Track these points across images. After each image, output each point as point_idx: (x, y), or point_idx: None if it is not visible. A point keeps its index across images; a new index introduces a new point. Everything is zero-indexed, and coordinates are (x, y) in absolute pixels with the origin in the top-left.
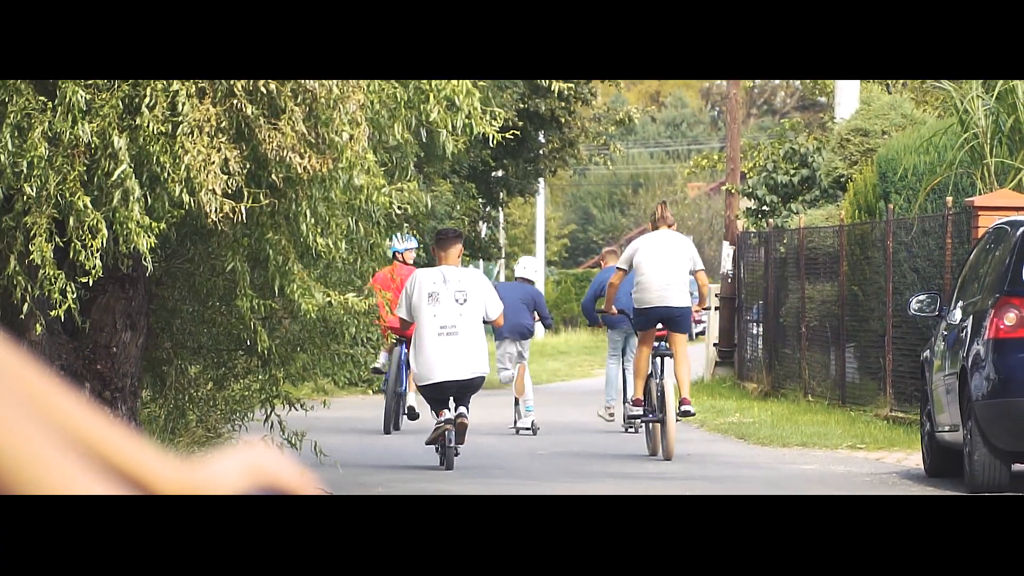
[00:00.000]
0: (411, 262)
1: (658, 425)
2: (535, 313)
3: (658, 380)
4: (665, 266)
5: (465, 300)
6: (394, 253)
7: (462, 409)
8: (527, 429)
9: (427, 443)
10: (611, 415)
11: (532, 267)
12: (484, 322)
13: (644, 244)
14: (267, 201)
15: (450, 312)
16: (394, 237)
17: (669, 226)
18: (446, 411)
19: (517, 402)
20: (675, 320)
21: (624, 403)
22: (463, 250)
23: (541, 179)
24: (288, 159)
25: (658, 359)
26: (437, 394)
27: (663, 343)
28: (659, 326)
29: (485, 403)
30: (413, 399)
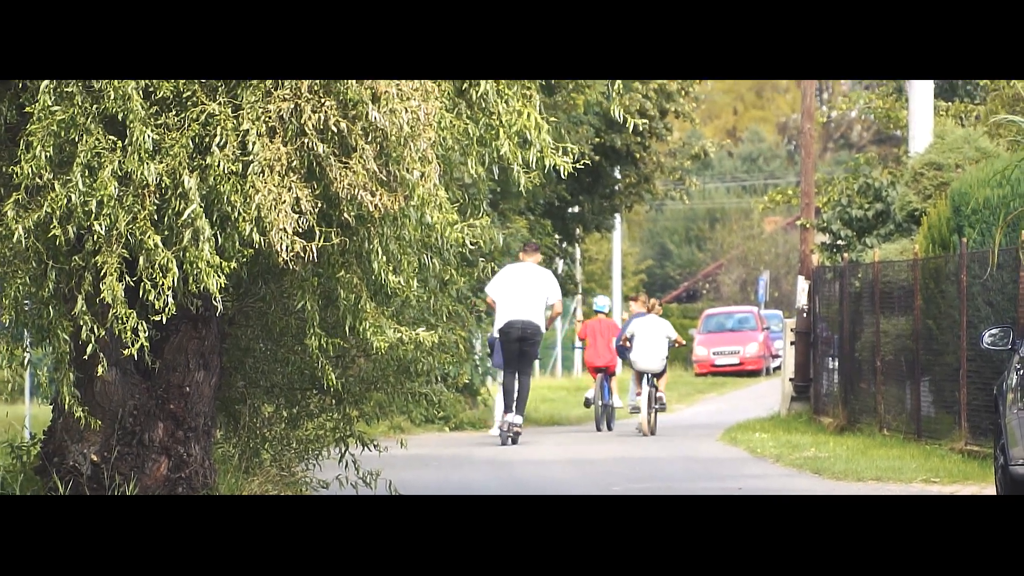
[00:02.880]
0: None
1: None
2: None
3: None
4: None
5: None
6: (597, 311)
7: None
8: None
9: None
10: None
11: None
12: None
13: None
14: (338, 240)
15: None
16: (598, 297)
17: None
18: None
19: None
20: None
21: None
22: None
23: (617, 215)
24: (359, 197)
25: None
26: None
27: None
28: None
29: (560, 439)
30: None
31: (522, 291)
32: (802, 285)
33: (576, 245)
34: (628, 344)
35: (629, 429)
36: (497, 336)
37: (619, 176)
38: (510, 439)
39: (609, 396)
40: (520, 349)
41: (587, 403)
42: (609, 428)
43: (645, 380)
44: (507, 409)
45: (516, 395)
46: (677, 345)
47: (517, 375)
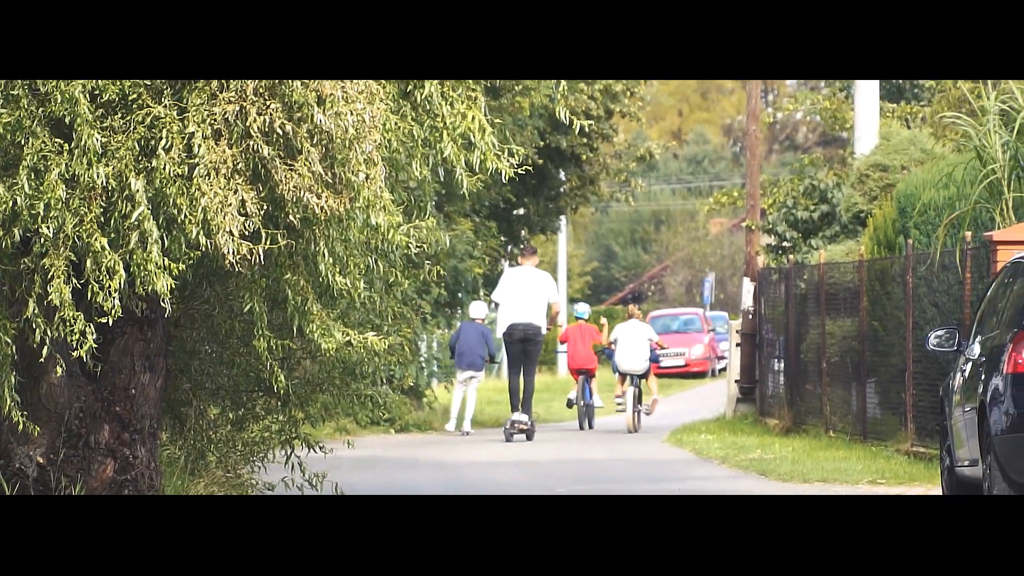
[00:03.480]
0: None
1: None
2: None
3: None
4: None
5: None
6: (578, 317)
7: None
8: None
9: None
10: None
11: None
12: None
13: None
14: (284, 242)
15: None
16: (578, 304)
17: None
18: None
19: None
20: None
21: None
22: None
23: (562, 216)
24: (305, 199)
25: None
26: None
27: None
28: None
29: (501, 440)
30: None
31: (522, 294)
32: (748, 287)
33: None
34: (612, 347)
35: (603, 427)
36: (457, 341)
37: (564, 178)
38: (514, 435)
39: (590, 396)
40: (523, 349)
41: (569, 404)
42: (590, 426)
43: (629, 381)
44: (513, 408)
45: (521, 394)
46: (658, 348)
47: (521, 375)
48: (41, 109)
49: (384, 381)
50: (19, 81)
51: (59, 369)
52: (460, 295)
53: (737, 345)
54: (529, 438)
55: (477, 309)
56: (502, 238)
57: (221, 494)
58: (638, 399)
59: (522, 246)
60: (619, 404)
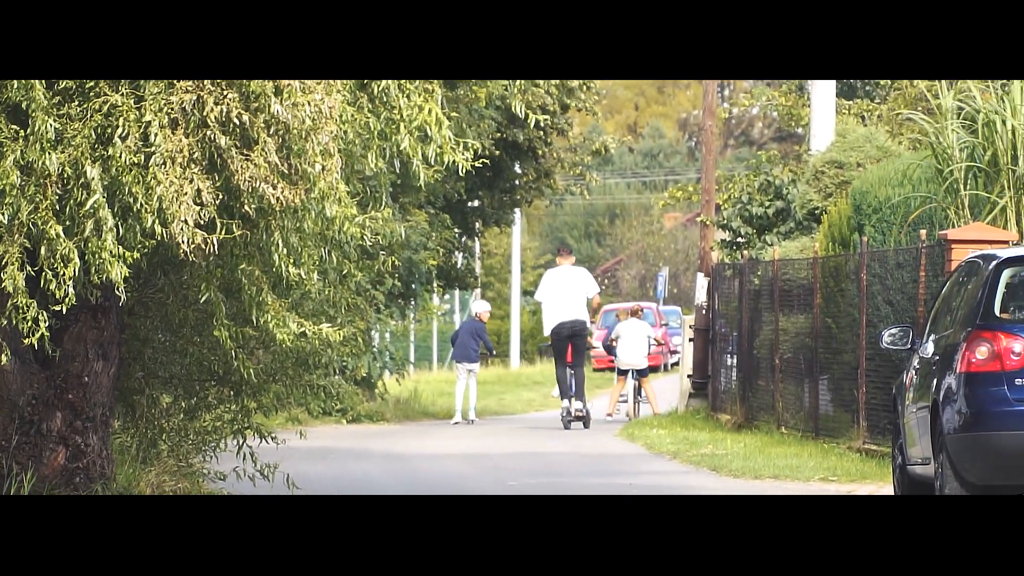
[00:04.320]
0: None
1: None
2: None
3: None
4: None
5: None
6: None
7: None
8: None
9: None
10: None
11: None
12: None
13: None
14: (240, 232)
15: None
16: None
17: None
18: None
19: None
20: None
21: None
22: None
23: (517, 209)
24: (261, 190)
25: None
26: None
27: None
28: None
29: (457, 432)
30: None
31: (564, 293)
32: (701, 282)
33: (476, 239)
34: (614, 344)
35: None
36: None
37: (520, 171)
38: (571, 423)
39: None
40: (572, 344)
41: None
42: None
43: (630, 375)
44: (564, 396)
45: (572, 384)
46: (658, 345)
47: (571, 368)
48: None
49: (337, 372)
50: None
51: (3, 357)
52: (414, 286)
53: (690, 340)
54: (586, 425)
55: (476, 306)
56: (456, 230)
57: (173, 483)
58: (638, 391)
59: (558, 249)
60: (622, 398)
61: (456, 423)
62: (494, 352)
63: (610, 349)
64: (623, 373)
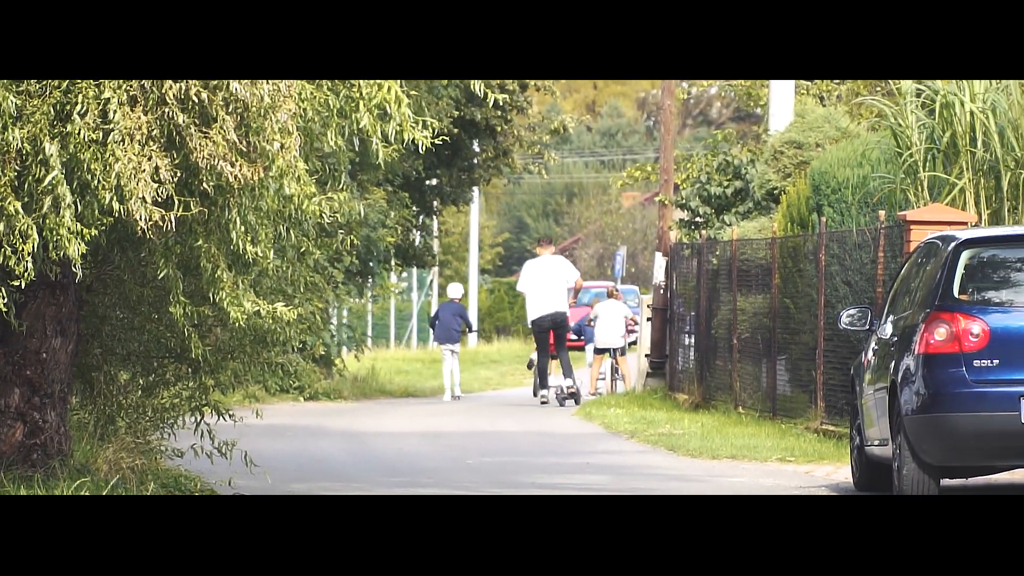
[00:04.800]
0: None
1: None
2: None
3: None
4: None
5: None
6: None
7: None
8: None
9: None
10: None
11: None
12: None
13: None
14: (197, 209)
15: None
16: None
17: None
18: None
19: None
20: None
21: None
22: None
23: (475, 188)
24: (219, 167)
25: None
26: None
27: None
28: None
29: (414, 411)
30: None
31: (545, 284)
32: (659, 262)
33: (434, 217)
34: (592, 325)
35: (513, 399)
36: (436, 319)
37: (478, 150)
38: (566, 400)
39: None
40: (555, 335)
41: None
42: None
43: (609, 354)
44: (544, 386)
45: (563, 366)
46: (633, 325)
47: (554, 354)
48: None
49: (295, 349)
50: None
51: None
52: (372, 264)
53: (648, 319)
54: (577, 402)
55: (454, 290)
56: (414, 208)
57: (130, 460)
58: (615, 370)
59: (539, 240)
60: (601, 376)
61: (449, 399)
62: (474, 329)
63: (579, 331)
64: (601, 352)
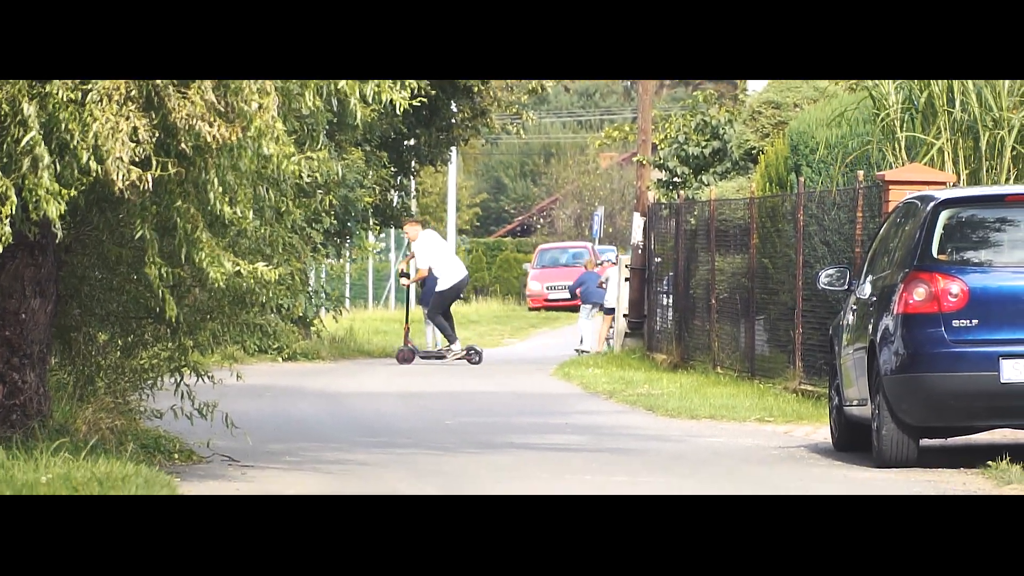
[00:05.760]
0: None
1: None
2: None
3: None
4: None
5: None
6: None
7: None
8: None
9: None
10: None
11: None
12: None
13: None
14: (175, 170)
15: None
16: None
17: None
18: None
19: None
20: None
21: None
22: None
23: (453, 148)
24: (197, 128)
25: None
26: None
27: None
28: None
29: (392, 371)
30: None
31: (451, 253)
32: (638, 222)
33: (412, 178)
34: (603, 286)
35: (490, 359)
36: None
37: (456, 110)
38: (476, 359)
39: None
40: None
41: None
42: None
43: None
44: (454, 340)
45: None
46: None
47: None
48: None
49: (273, 310)
50: None
51: None
52: (350, 224)
53: (626, 280)
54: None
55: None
56: (392, 168)
57: (110, 421)
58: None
59: (422, 222)
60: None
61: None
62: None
63: (574, 292)
64: (610, 312)
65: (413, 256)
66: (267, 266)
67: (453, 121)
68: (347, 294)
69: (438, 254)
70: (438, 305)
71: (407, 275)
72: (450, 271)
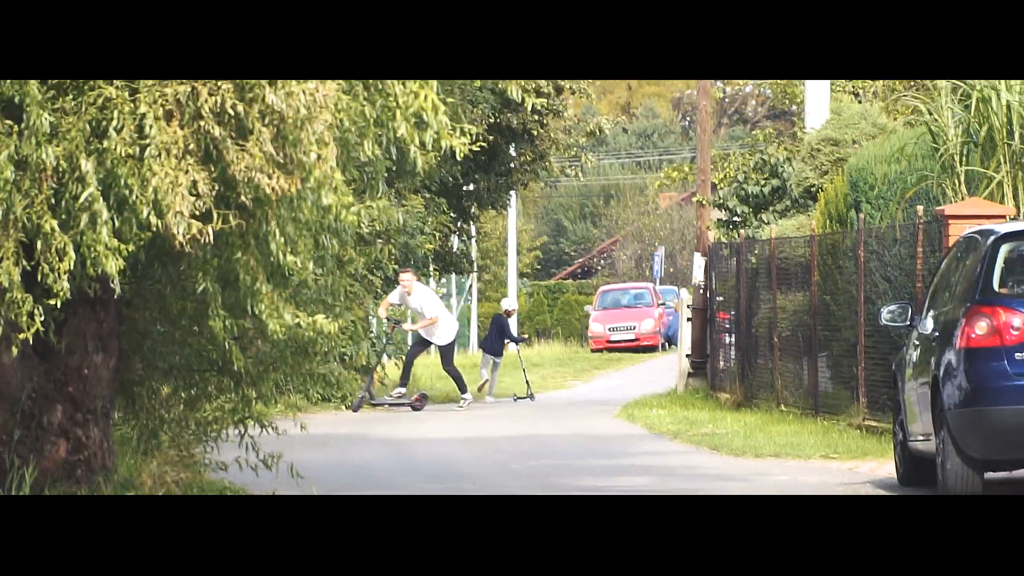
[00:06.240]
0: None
1: None
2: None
3: None
4: None
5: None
6: None
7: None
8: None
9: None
10: None
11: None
12: None
13: None
14: (236, 222)
15: None
16: None
17: None
18: None
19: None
20: None
21: None
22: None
23: (512, 192)
24: (256, 180)
25: None
26: None
27: None
28: None
29: (455, 416)
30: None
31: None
32: (699, 261)
33: (472, 223)
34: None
35: (550, 400)
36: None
37: (515, 154)
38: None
39: None
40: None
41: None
42: None
43: None
44: (466, 388)
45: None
46: None
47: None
48: None
49: (336, 359)
50: None
51: (14, 349)
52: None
53: (688, 320)
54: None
55: (508, 302)
56: (452, 214)
57: (174, 474)
58: None
59: (400, 270)
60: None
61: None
62: (519, 341)
63: None
64: None
65: (398, 305)
66: (327, 317)
67: (512, 165)
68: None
69: (439, 305)
70: (453, 356)
71: (398, 321)
72: (450, 322)
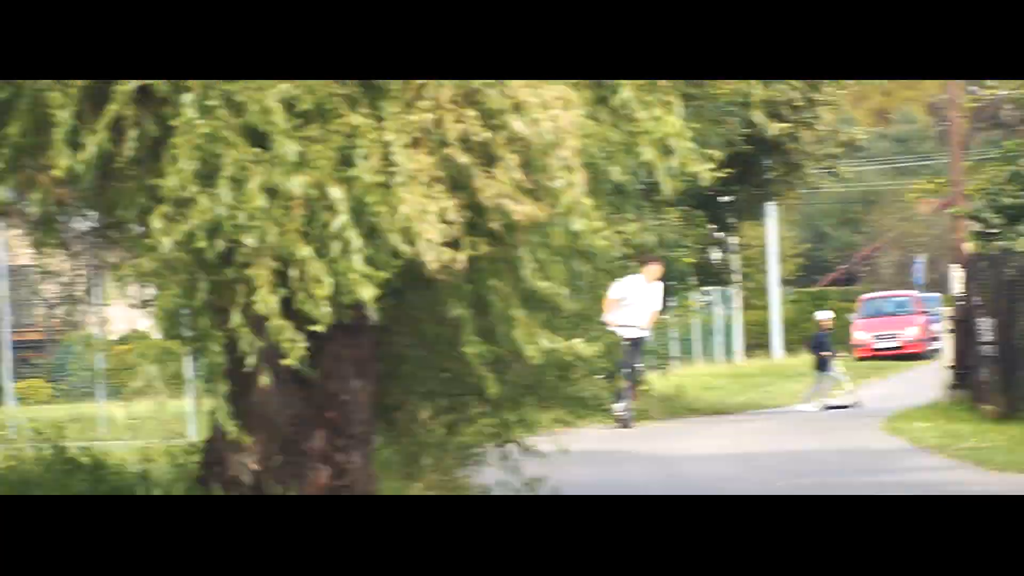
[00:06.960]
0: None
1: None
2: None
3: None
4: None
5: None
6: None
7: None
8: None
9: None
10: None
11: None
12: None
13: None
14: (487, 249)
15: None
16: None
17: None
18: None
19: None
20: None
21: None
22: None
23: (770, 202)
24: (505, 206)
25: None
26: None
27: None
28: None
29: (722, 431)
30: None
31: None
32: (957, 273)
33: (731, 234)
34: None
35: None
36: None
37: (769, 166)
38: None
39: None
40: None
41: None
42: None
43: None
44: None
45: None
46: None
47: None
48: (237, 119)
49: (601, 376)
50: (215, 91)
51: (266, 378)
52: (672, 284)
53: (950, 331)
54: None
55: (822, 315)
56: (711, 226)
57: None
58: None
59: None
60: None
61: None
62: (826, 353)
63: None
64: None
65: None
66: (584, 341)
67: (767, 177)
68: (674, 352)
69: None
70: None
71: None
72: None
